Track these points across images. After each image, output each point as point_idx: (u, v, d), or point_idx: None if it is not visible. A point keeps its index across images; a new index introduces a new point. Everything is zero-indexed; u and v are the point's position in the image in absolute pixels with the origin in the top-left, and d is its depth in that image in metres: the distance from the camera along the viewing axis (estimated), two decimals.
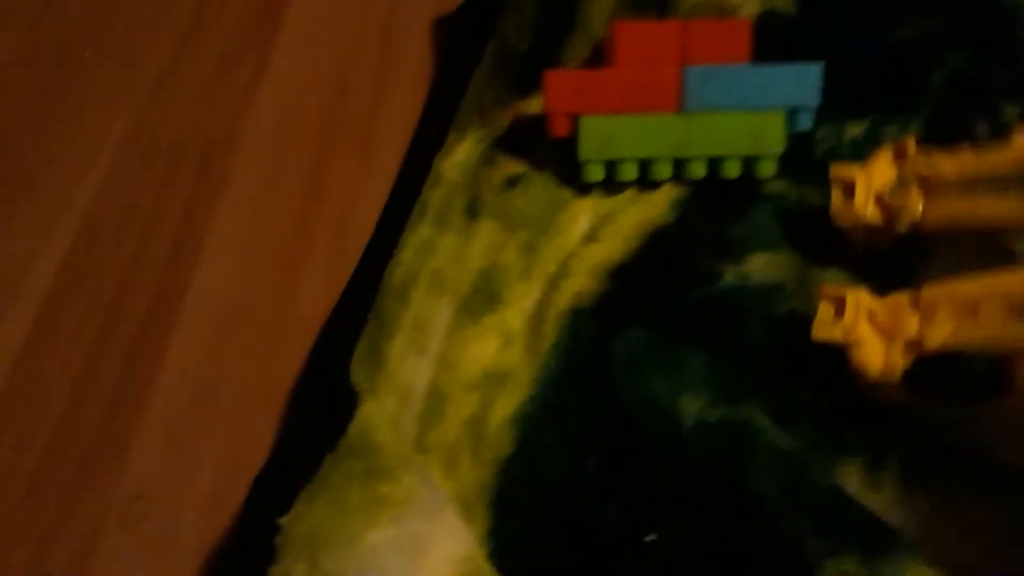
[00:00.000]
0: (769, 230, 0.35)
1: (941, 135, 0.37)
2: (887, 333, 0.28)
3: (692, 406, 0.30)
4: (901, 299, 0.29)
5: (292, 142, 0.42)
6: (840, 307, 0.28)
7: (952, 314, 0.27)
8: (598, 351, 0.32)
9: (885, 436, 0.29)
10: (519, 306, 0.35)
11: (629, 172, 0.37)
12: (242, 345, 0.36)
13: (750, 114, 0.36)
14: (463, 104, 0.41)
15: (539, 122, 0.37)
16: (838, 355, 0.28)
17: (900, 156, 0.32)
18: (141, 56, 0.46)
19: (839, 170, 0.32)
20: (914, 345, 0.28)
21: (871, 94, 0.38)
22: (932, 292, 0.28)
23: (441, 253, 0.36)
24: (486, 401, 0.31)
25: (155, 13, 0.48)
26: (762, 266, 0.34)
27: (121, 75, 0.46)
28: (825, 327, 0.28)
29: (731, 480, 0.27)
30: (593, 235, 0.37)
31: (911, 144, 0.32)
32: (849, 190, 0.32)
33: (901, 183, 0.31)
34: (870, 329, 0.28)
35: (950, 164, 0.30)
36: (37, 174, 0.42)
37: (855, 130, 0.38)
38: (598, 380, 0.31)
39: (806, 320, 0.30)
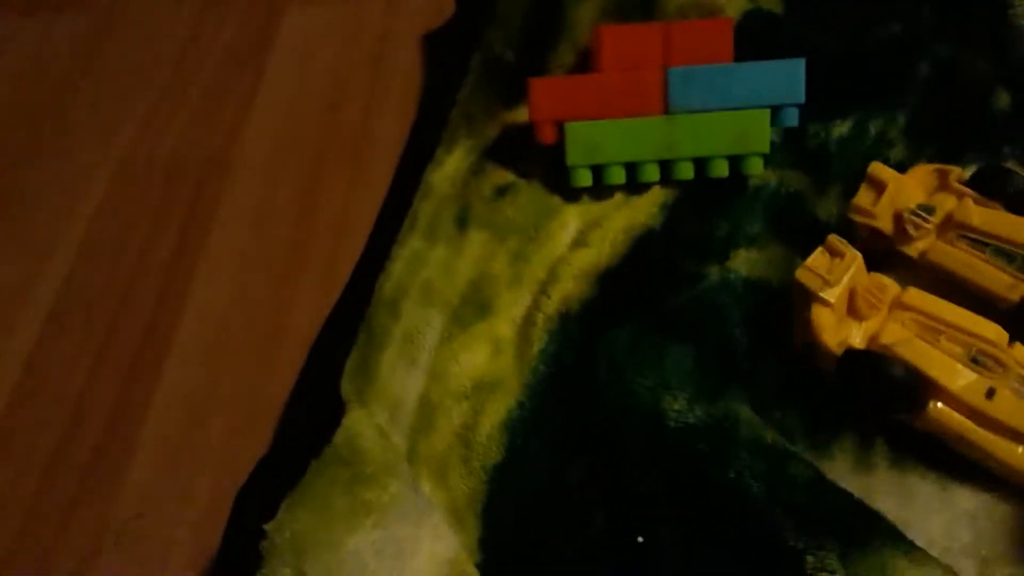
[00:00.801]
0: (754, 226, 0.35)
1: (927, 127, 0.37)
2: (856, 310, 0.29)
3: (674, 405, 0.29)
4: (888, 288, 0.29)
5: (286, 160, 0.43)
6: (834, 262, 0.29)
7: (917, 327, 0.28)
8: (585, 355, 0.32)
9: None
10: (508, 314, 0.35)
11: (617, 176, 0.37)
12: (237, 362, 0.36)
13: (735, 113, 0.36)
14: (452, 116, 0.41)
15: (527, 131, 0.38)
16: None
17: (941, 182, 0.32)
18: (137, 80, 0.47)
19: (877, 170, 0.32)
20: (871, 334, 0.29)
21: (857, 90, 0.38)
22: (912, 298, 0.29)
23: (431, 264, 0.36)
24: (476, 410, 0.31)
25: (150, 37, 0.50)
26: (747, 263, 0.34)
27: (117, 99, 0.47)
28: (809, 274, 0.29)
29: (714, 480, 0.27)
30: (582, 240, 0.36)
31: (954, 175, 0.32)
32: (878, 192, 0.32)
33: (925, 210, 0.31)
34: (844, 297, 0.29)
35: (978, 216, 0.30)
36: (36, 198, 0.43)
37: (842, 127, 0.37)
38: (584, 384, 0.31)
39: (788, 314, 0.30)
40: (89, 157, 0.44)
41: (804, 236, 0.33)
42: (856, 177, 0.33)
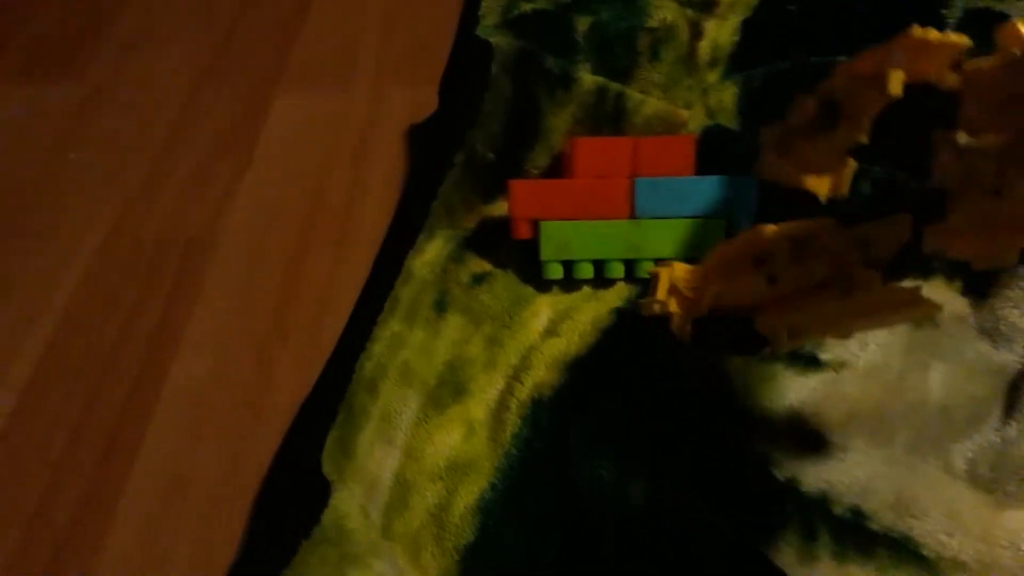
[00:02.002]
0: None
1: None
2: (686, 299, 0.33)
3: (638, 491, 0.32)
4: (699, 269, 0.33)
5: (270, 241, 0.44)
6: (654, 285, 0.33)
7: (718, 277, 0.31)
8: (556, 440, 0.34)
9: (816, 509, 0.31)
10: (483, 397, 0.37)
11: (585, 271, 0.40)
12: (216, 437, 0.37)
13: (694, 221, 0.40)
14: (434, 207, 0.44)
15: (504, 224, 0.41)
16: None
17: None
18: (125, 156, 0.49)
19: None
20: (695, 306, 0.32)
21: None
22: (709, 260, 0.32)
23: (410, 346, 0.38)
24: (450, 490, 0.33)
25: (140, 115, 0.51)
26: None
27: (106, 173, 0.48)
28: (647, 305, 0.33)
29: (678, 564, 0.29)
30: (553, 329, 0.39)
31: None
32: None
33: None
34: (676, 300, 0.33)
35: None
36: (19, 268, 0.43)
37: None
38: (555, 468, 0.33)
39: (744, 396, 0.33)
40: (75, 229, 0.45)
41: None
42: None
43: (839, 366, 0.36)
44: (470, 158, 0.45)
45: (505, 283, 0.41)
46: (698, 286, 0.32)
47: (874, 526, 0.31)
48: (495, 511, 0.32)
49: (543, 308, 0.40)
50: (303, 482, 0.33)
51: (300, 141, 0.49)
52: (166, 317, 0.41)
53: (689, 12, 0.52)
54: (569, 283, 0.41)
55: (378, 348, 0.38)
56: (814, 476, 0.32)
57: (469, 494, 0.33)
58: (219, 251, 0.44)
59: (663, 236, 0.40)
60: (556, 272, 0.40)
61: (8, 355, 0.40)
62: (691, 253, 0.39)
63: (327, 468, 0.33)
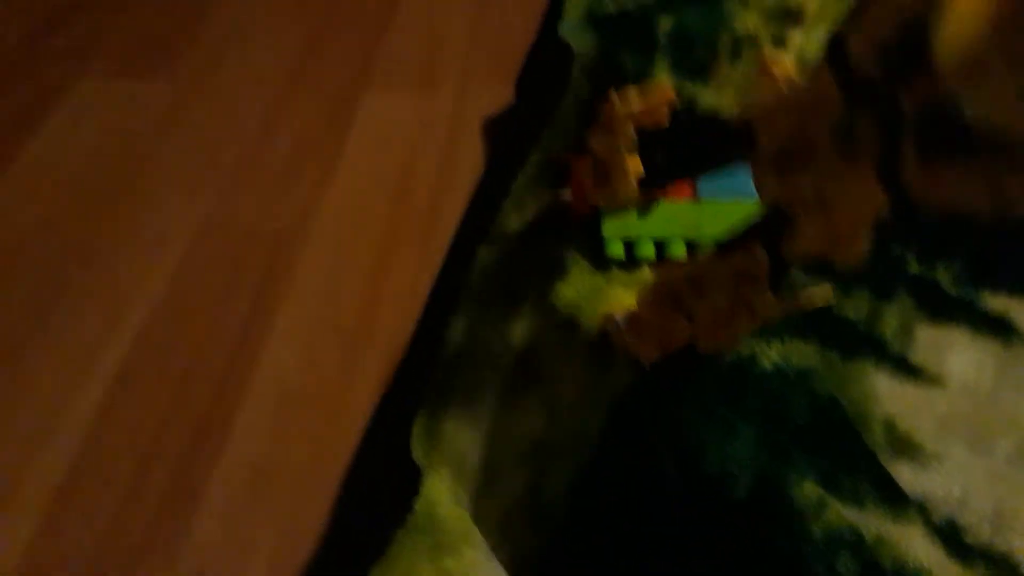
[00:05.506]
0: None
1: None
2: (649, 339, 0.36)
3: (745, 480, 0.31)
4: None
5: (357, 234, 0.46)
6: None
7: (654, 323, 0.35)
8: (645, 427, 0.34)
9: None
10: (561, 382, 0.37)
11: (647, 250, 0.41)
12: (301, 429, 0.38)
13: (755, 202, 0.39)
14: (505, 204, 0.45)
15: (569, 212, 0.42)
16: None
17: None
18: (218, 149, 0.51)
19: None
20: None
21: None
22: (641, 307, 0.36)
23: (486, 332, 0.39)
24: (536, 473, 0.33)
25: (231, 111, 0.53)
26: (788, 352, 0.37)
27: (198, 167, 0.50)
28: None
29: (777, 556, 0.29)
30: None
31: None
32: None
33: None
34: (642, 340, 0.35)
35: None
36: (117, 255, 0.45)
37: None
38: (647, 455, 0.33)
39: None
40: (169, 219, 0.47)
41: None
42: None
43: (932, 379, 0.35)
44: (543, 159, 0.46)
45: (575, 272, 0.42)
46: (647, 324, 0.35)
47: (970, 540, 0.30)
48: (583, 494, 0.32)
49: (614, 295, 0.41)
50: (391, 468, 0.33)
51: (386, 139, 0.50)
52: (256, 307, 0.42)
53: (773, 24, 0.52)
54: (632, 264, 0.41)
55: (456, 335, 0.39)
56: (909, 485, 0.32)
57: (557, 478, 0.33)
58: (308, 244, 0.45)
59: (724, 217, 0.40)
60: (618, 250, 0.41)
61: (102, 340, 0.41)
62: None
63: (417, 453, 0.33)
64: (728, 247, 0.32)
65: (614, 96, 0.37)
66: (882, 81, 0.22)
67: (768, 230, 0.29)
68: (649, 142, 0.37)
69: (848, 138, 0.24)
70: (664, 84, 0.38)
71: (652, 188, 0.39)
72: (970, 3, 0.18)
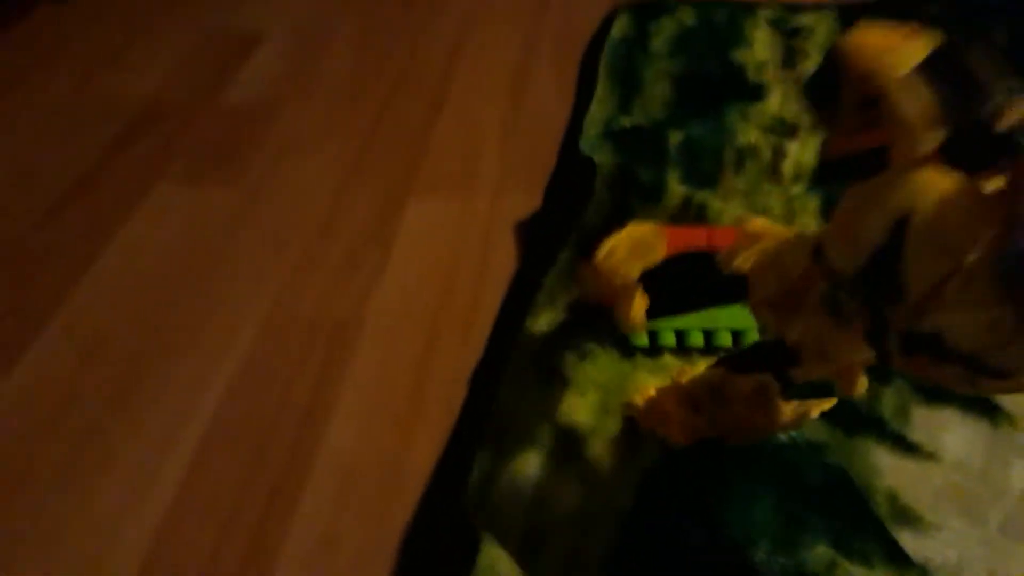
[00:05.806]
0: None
1: None
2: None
3: (764, 548, 0.35)
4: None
5: (408, 323, 0.51)
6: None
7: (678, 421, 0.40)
8: (672, 498, 0.38)
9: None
10: (599, 458, 0.41)
11: (668, 339, 0.46)
12: (363, 499, 0.42)
13: None
14: (538, 297, 0.50)
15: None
16: None
17: None
18: (279, 249, 0.57)
19: None
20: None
21: None
22: (667, 402, 0.41)
23: (528, 407, 0.44)
24: (577, 538, 0.37)
25: (291, 213, 0.60)
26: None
27: (264, 263, 0.56)
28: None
29: None
30: None
31: None
32: None
33: None
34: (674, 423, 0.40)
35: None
36: (191, 343, 0.50)
37: None
38: (674, 527, 0.37)
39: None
40: (237, 310, 0.52)
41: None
42: None
43: (928, 455, 0.40)
44: (572, 256, 0.52)
45: (605, 358, 0.47)
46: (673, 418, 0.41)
47: None
48: (623, 559, 0.36)
49: (641, 379, 0.46)
50: (449, 531, 0.37)
51: (431, 239, 0.56)
52: (318, 389, 0.47)
53: (772, 137, 0.59)
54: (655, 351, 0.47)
55: (501, 408, 0.43)
56: (912, 550, 0.36)
57: (598, 542, 0.37)
58: (363, 332, 0.50)
59: (739, 309, 0.45)
60: (642, 339, 0.46)
61: (181, 421, 0.46)
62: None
63: (472, 513, 0.37)
64: (741, 364, 0.36)
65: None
66: (864, 301, 0.24)
67: (775, 359, 0.33)
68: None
69: (836, 309, 0.26)
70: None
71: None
72: (934, 240, 0.20)
